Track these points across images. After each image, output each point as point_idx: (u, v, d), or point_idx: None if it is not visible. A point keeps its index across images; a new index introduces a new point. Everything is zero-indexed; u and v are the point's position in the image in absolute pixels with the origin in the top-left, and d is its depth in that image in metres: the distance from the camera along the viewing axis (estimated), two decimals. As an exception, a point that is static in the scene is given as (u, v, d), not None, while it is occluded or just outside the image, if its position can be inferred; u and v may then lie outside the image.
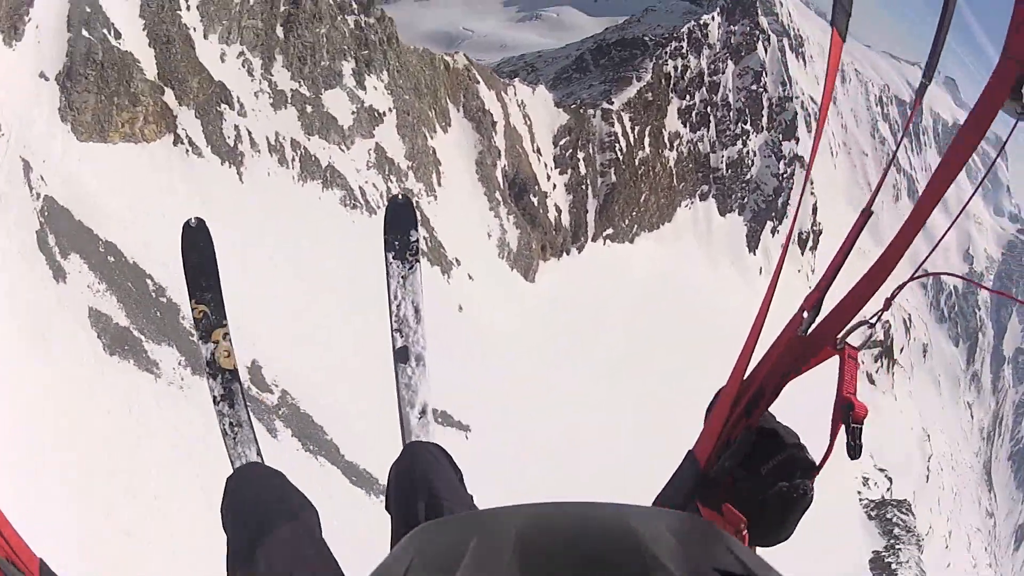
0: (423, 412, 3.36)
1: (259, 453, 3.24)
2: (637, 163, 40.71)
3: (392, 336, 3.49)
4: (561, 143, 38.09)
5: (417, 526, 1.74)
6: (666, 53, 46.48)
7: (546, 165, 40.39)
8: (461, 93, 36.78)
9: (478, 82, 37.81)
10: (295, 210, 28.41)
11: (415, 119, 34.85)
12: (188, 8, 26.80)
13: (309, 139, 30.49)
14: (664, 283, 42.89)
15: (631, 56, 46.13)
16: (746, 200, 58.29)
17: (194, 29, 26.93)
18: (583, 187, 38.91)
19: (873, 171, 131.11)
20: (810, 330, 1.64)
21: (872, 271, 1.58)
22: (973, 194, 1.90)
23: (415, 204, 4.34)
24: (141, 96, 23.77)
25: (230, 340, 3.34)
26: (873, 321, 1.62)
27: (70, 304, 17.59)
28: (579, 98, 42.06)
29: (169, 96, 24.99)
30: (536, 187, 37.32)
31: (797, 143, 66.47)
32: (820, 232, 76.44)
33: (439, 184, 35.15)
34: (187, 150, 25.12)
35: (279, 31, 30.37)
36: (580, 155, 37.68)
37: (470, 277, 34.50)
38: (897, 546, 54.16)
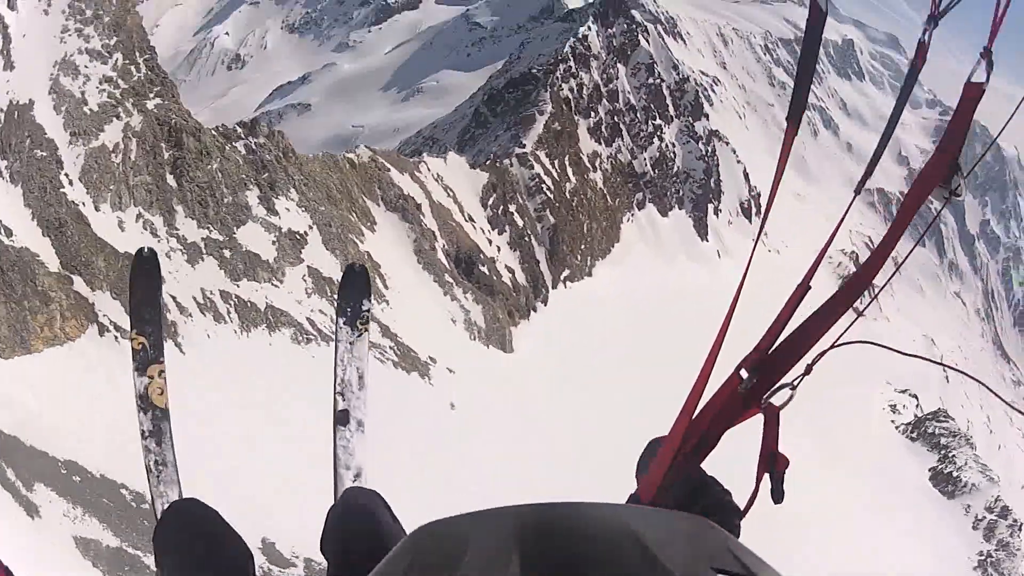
0: (358, 475, 3.41)
1: (180, 494, 3.25)
2: (569, 195, 39.77)
3: (334, 398, 3.56)
4: (490, 202, 36.88)
5: (354, 567, 2.09)
6: (558, 78, 45.74)
7: (483, 230, 38.98)
8: (376, 186, 35.18)
9: (388, 170, 36.08)
10: (250, 365, 26.89)
11: (339, 229, 33.19)
12: (71, 183, 24.91)
13: (238, 285, 28.64)
14: (633, 302, 42.08)
15: (525, 94, 45.31)
16: (681, 192, 57.67)
17: (83, 204, 24.98)
18: (526, 239, 37.52)
19: (781, 115, 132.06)
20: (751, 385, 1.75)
21: (807, 329, 1.69)
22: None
23: (370, 277, 3.97)
24: (51, 292, 21.77)
25: (165, 379, 3.34)
26: (796, 383, 1.71)
27: (53, 540, 16.23)
28: (490, 152, 40.86)
29: (79, 284, 22.96)
30: (482, 256, 35.74)
31: (708, 119, 66.52)
32: (759, 195, 76.42)
33: (385, 287, 33.61)
34: (115, 336, 23.37)
35: (170, 180, 28.22)
36: (512, 208, 36.53)
37: (450, 371, 33.10)
38: (950, 454, 54.38)
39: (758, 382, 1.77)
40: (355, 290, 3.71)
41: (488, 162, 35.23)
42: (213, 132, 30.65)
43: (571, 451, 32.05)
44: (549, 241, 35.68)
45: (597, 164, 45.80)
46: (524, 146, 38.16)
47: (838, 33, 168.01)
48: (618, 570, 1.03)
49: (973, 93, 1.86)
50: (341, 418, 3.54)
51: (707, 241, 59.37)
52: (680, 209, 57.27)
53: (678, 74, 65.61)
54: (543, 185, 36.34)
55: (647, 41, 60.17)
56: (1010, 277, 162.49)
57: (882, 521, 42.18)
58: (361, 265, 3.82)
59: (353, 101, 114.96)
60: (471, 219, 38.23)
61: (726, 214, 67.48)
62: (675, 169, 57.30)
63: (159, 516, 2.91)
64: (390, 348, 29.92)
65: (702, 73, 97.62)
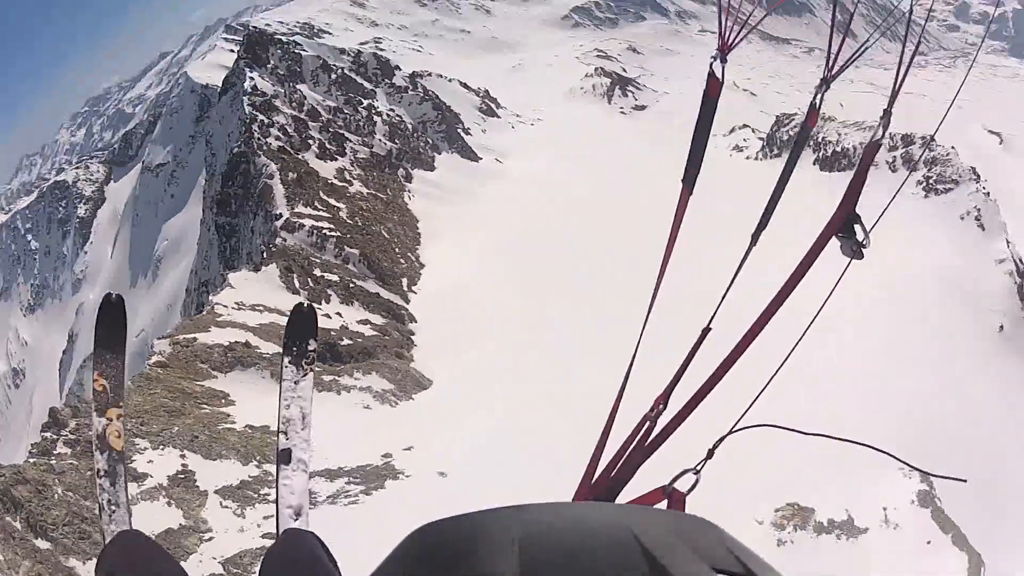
0: (298, 514, 3.46)
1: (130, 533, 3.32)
2: (349, 220, 39.26)
3: (278, 436, 3.63)
4: (297, 284, 35.57)
5: None
6: (260, 139, 44.95)
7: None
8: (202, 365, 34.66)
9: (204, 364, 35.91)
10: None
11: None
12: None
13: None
14: (479, 253, 42.89)
15: (245, 176, 43.84)
16: (431, 140, 58.11)
17: None
18: (351, 286, 35.79)
19: (448, 21, 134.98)
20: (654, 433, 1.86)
21: (713, 375, 1.82)
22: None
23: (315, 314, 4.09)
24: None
25: (124, 422, 3.42)
26: (699, 468, 1.71)
27: None
28: (259, 247, 39.41)
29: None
30: (336, 332, 34.78)
31: (400, 68, 67.47)
32: (486, 91, 78.27)
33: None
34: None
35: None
36: (318, 272, 35.49)
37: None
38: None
39: (668, 420, 1.91)
40: (302, 329, 3.75)
41: (265, 255, 34.57)
42: None
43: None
44: (369, 268, 35.62)
45: (348, 176, 45.55)
46: (280, 216, 37.66)
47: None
48: (617, 571, 1.01)
49: (874, 151, 2.13)
50: (284, 457, 3.60)
51: (481, 159, 60.39)
52: (440, 153, 57.83)
53: (349, 54, 66.41)
54: (323, 231, 36.05)
55: (304, 49, 60.53)
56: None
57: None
58: (309, 304, 3.90)
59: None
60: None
61: (475, 127, 68.84)
62: (409, 127, 57.67)
63: (103, 548, 2.93)
64: (333, 380, 30.79)
65: (361, 44, 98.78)
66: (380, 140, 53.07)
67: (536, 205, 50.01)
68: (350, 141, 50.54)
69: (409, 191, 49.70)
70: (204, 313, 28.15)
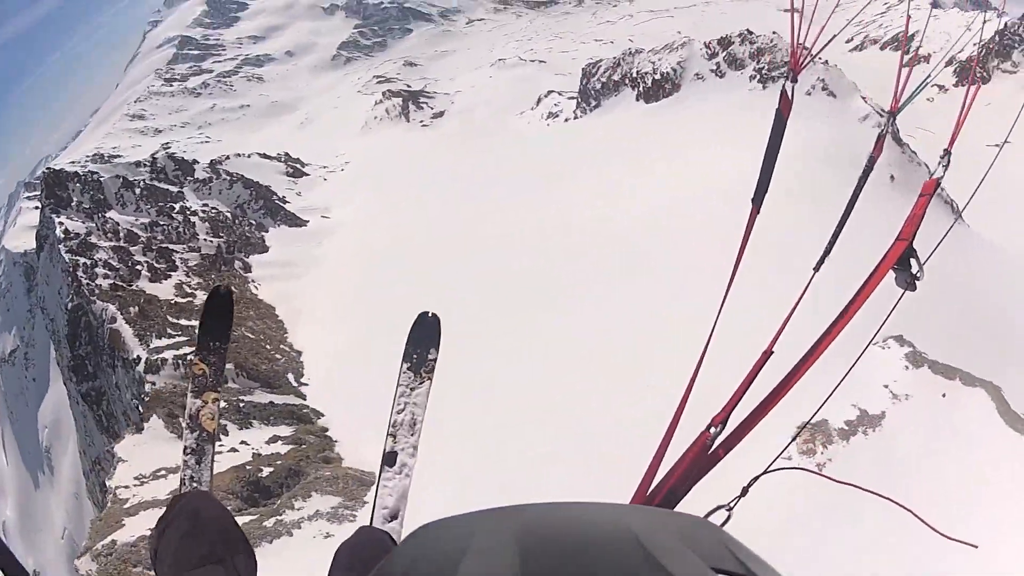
0: (394, 517, 3.51)
1: None
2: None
3: (385, 438, 3.67)
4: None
5: None
6: (89, 289, 43.40)
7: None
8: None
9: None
10: None
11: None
12: None
13: None
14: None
15: (95, 349, 42.89)
16: (253, 221, 57.37)
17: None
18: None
19: (228, 99, 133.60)
20: (715, 444, 1.83)
21: (772, 395, 1.80)
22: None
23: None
24: None
25: (219, 406, 3.54)
26: (732, 506, 1.75)
27: None
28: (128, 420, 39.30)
29: None
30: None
31: (198, 162, 66.09)
32: (289, 155, 77.66)
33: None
34: None
35: None
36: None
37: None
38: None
39: (731, 438, 1.91)
40: (425, 337, 3.83)
41: (142, 410, 33.09)
42: None
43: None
44: (250, 377, 34.13)
45: (187, 289, 44.07)
46: (138, 360, 36.06)
47: (199, 3, 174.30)
48: (617, 571, 1.04)
49: (931, 188, 2.12)
50: (388, 459, 3.66)
51: (308, 221, 59.80)
52: (268, 230, 56.63)
53: (145, 164, 64.74)
54: (188, 357, 34.95)
55: (100, 175, 58.43)
56: None
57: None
58: (433, 313, 3.93)
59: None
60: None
61: (290, 193, 67.80)
62: (229, 216, 56.39)
63: (170, 505, 2.91)
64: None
65: (153, 156, 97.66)
66: (205, 239, 51.91)
67: (382, 241, 49.72)
68: (176, 252, 49.29)
69: (253, 281, 48.77)
70: (109, 505, 26.59)
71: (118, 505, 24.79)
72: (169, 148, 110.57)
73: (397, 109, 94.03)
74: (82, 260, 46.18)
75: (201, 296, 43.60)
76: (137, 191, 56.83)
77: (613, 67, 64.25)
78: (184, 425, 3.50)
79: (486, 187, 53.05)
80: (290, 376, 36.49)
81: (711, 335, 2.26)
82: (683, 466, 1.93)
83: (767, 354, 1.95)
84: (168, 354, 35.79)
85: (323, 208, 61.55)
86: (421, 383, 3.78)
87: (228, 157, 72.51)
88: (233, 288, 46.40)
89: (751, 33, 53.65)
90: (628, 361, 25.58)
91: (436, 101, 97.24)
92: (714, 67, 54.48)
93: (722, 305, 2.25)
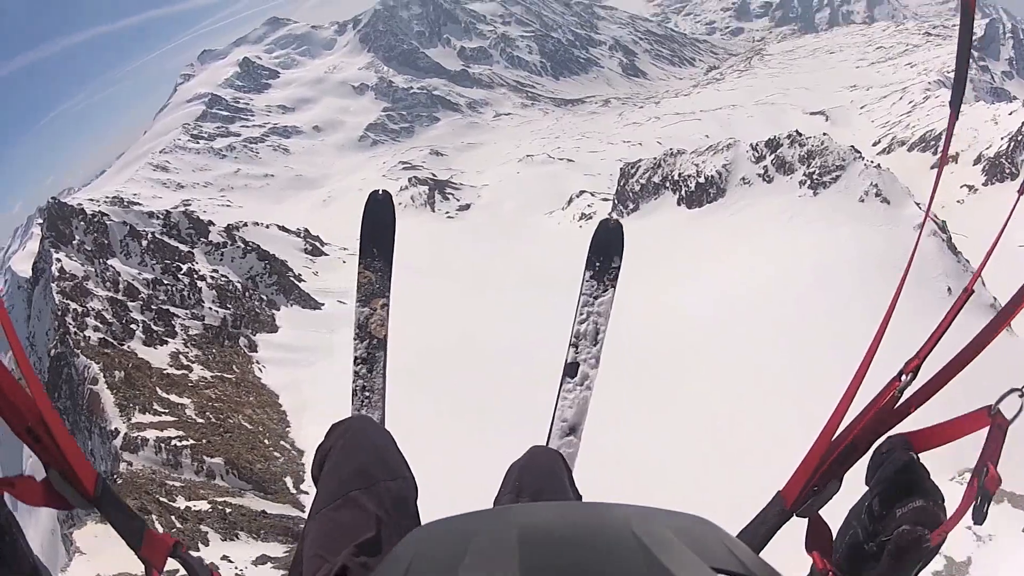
0: (572, 431, 3.45)
1: (382, 421, 3.46)
2: (205, 426, 33.89)
3: (568, 349, 3.61)
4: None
5: None
6: (74, 335, 38.99)
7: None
8: None
9: None
10: None
11: None
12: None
13: None
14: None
15: (72, 389, 38.19)
16: (265, 297, 53.33)
17: None
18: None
19: (253, 165, 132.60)
20: (905, 395, 1.70)
21: (971, 345, 1.64)
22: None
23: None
24: None
25: (387, 311, 3.58)
26: (1022, 390, 1.56)
27: None
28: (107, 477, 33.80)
29: None
30: None
31: (213, 224, 62.31)
32: (306, 230, 74.16)
33: None
34: None
35: None
36: (177, 522, 30.29)
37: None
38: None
39: (922, 390, 1.70)
40: (608, 245, 3.70)
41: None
42: None
43: None
44: (241, 477, 29.37)
45: (184, 360, 39.80)
46: (116, 432, 31.18)
47: (232, 65, 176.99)
48: (618, 570, 1.02)
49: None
50: (570, 370, 3.55)
51: (323, 304, 55.82)
52: (279, 308, 52.43)
53: (157, 218, 60.50)
54: (172, 442, 30.17)
55: (111, 218, 54.14)
56: (517, 59, 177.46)
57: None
58: (616, 221, 3.81)
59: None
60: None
61: (307, 271, 64.40)
62: (239, 286, 52.39)
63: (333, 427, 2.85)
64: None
65: (172, 208, 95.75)
66: (210, 308, 47.52)
67: (402, 338, 45.44)
68: (178, 316, 44.93)
69: (258, 363, 44.04)
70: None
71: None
72: (189, 205, 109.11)
73: (423, 197, 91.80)
74: (73, 306, 41.65)
75: (198, 371, 39.30)
76: (144, 243, 52.49)
77: (653, 168, 61.70)
78: (354, 335, 3.50)
79: (518, 288, 49.35)
80: (288, 481, 31.35)
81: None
82: (866, 418, 1.72)
83: (968, 292, 1.77)
84: (151, 434, 30.60)
85: (340, 292, 57.49)
86: (604, 291, 3.63)
87: (246, 224, 69.07)
88: (236, 368, 42.59)
89: (800, 135, 51.55)
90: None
91: (463, 193, 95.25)
92: (761, 171, 52.22)
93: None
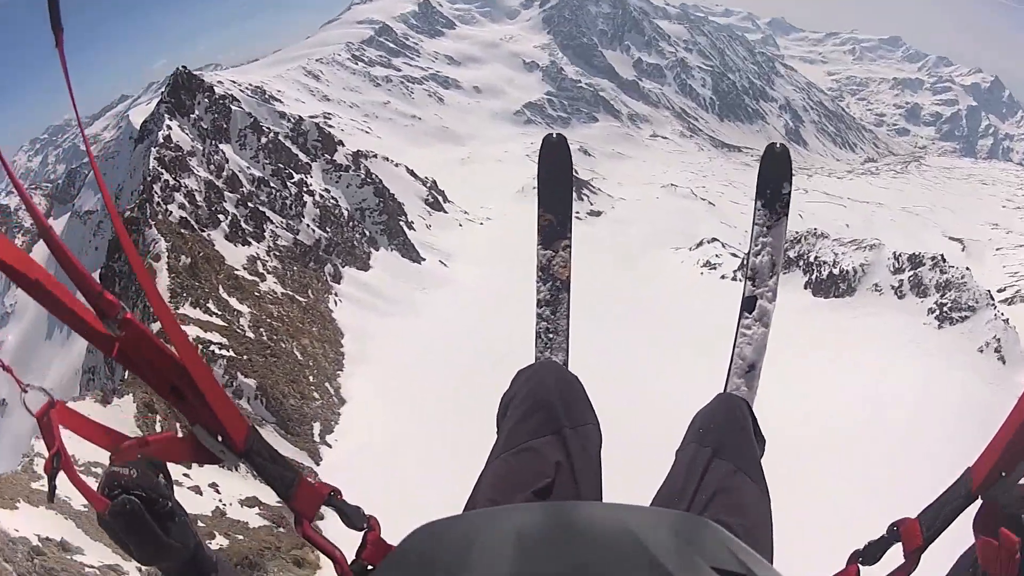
0: (751, 367, 3.32)
1: (566, 363, 3.35)
2: (253, 336, 29.11)
3: (744, 284, 3.52)
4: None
5: (695, 472, 2.46)
6: (160, 205, 35.41)
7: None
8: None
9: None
10: None
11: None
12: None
13: None
14: (410, 393, 33.69)
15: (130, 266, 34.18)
16: (368, 232, 49.09)
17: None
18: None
19: (401, 105, 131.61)
20: None
21: None
22: None
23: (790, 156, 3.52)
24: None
25: (569, 252, 3.49)
26: None
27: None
28: None
29: None
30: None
31: (344, 144, 58.64)
32: (434, 182, 70.74)
33: None
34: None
35: None
36: None
37: None
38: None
39: None
40: (777, 171, 3.53)
41: (122, 379, 24.22)
42: None
43: None
44: (269, 408, 25.48)
45: (261, 268, 35.99)
46: (154, 319, 26.93)
47: (412, 2, 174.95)
48: (618, 570, 1.03)
49: None
50: (747, 304, 3.45)
51: (424, 260, 51.65)
52: (378, 250, 48.71)
53: (288, 120, 56.89)
54: (212, 348, 25.90)
55: (239, 106, 50.77)
56: (689, 87, 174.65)
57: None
58: (783, 146, 3.62)
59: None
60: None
61: (420, 222, 60.55)
62: (345, 213, 48.49)
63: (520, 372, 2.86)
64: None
65: (310, 118, 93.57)
66: (308, 226, 43.57)
67: (488, 324, 40.82)
68: (271, 222, 41.11)
69: (336, 295, 40.01)
70: (19, 469, 17.35)
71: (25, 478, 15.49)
72: (329, 119, 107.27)
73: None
74: (166, 176, 38.06)
75: (271, 283, 35.54)
76: (264, 139, 48.90)
77: (791, 243, 57.80)
78: (536, 278, 3.46)
79: (620, 318, 44.50)
80: (315, 427, 27.36)
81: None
82: None
83: None
84: (192, 330, 26.54)
85: (446, 254, 53.67)
86: (778, 219, 3.49)
87: (376, 155, 65.54)
88: (311, 293, 38.70)
89: (944, 261, 49.43)
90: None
91: (598, 199, 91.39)
92: (896, 283, 49.70)
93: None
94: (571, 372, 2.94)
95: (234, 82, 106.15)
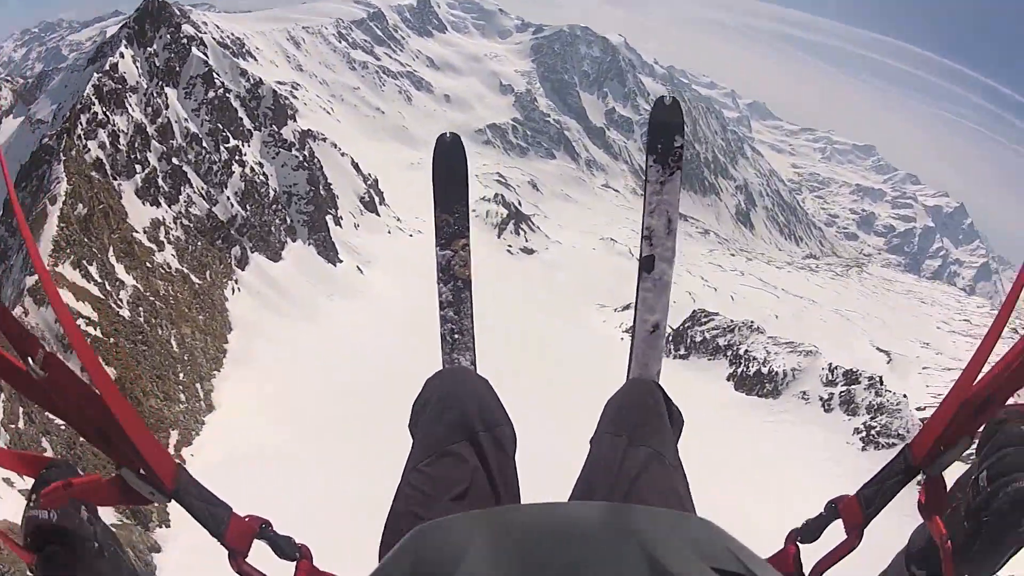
0: (656, 327, 3.35)
1: (473, 364, 3.38)
2: (130, 313, 26.79)
3: (640, 244, 3.48)
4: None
5: (612, 462, 2.36)
6: (79, 138, 33.20)
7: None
8: None
9: None
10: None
11: None
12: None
13: None
14: (291, 410, 31.57)
15: (41, 180, 31.81)
16: (289, 220, 46.92)
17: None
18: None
19: (369, 95, 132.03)
20: None
21: None
22: None
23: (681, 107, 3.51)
24: None
25: (469, 251, 3.50)
26: None
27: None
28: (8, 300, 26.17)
29: None
30: None
31: (295, 120, 56.45)
32: (376, 181, 69.12)
33: None
34: None
35: None
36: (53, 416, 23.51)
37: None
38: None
39: None
40: (666, 124, 3.48)
41: None
42: None
43: None
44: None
45: (163, 236, 33.72)
46: (30, 273, 24.68)
47: None
48: (617, 570, 1.03)
49: None
50: (646, 264, 3.46)
51: (341, 262, 49.77)
52: (295, 241, 46.56)
53: (248, 80, 54.13)
54: (80, 325, 23.71)
55: (203, 51, 48.30)
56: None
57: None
58: (673, 98, 3.55)
59: None
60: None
61: (348, 219, 58.71)
62: (271, 194, 46.21)
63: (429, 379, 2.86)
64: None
65: (278, 83, 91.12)
66: (228, 199, 41.31)
67: (392, 340, 39.12)
68: (191, 186, 38.89)
69: (236, 282, 37.81)
70: None
71: None
72: (296, 90, 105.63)
73: (497, 219, 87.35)
74: (97, 108, 35.96)
75: (168, 255, 33.15)
76: (211, 93, 46.76)
77: (724, 331, 57.48)
78: (438, 279, 3.45)
79: (524, 372, 43.39)
80: (172, 436, 24.85)
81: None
82: (1006, 359, 1.53)
83: None
84: (65, 294, 24.35)
85: (366, 259, 51.85)
86: (671, 175, 3.47)
87: (326, 139, 63.73)
88: (209, 276, 36.51)
89: (881, 384, 47.73)
90: None
91: (535, 237, 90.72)
92: (826, 395, 48.02)
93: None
94: (481, 375, 2.93)
95: (217, 26, 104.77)
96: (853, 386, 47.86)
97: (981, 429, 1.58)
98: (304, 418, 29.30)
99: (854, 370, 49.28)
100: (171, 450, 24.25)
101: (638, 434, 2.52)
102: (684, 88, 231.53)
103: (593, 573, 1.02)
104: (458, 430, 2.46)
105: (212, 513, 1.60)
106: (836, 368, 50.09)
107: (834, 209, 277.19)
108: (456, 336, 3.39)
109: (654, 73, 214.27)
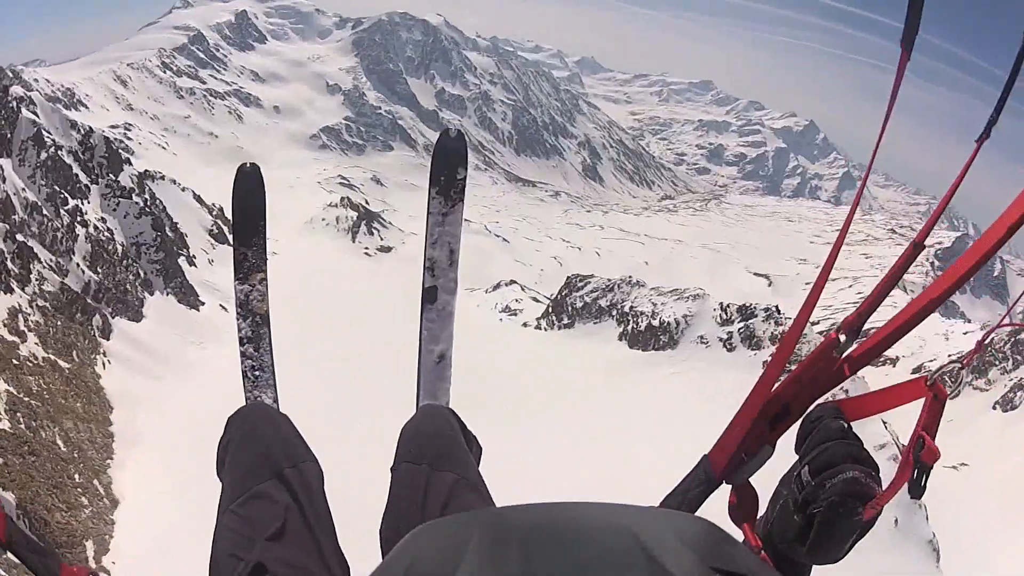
0: (441, 357, 3.45)
1: (276, 400, 3.38)
2: None
3: (423, 275, 3.55)
4: None
5: (417, 491, 2.48)
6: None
7: None
8: None
9: None
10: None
11: None
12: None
13: None
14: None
15: None
16: (143, 273, 46.29)
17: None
18: None
19: (201, 122, 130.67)
20: (844, 354, 1.62)
21: (915, 304, 1.52)
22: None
23: (466, 141, 3.63)
24: None
25: (266, 286, 3.54)
26: (965, 362, 1.53)
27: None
28: None
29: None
30: None
31: (131, 164, 55.31)
32: (221, 209, 68.54)
33: None
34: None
35: None
36: None
37: None
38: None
39: (862, 350, 1.63)
40: (450, 156, 3.53)
41: None
42: None
43: None
44: (33, 528, 20.97)
45: (23, 325, 32.44)
46: None
47: (230, 12, 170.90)
48: (617, 571, 1.04)
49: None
50: (429, 295, 3.51)
51: (203, 305, 49.45)
52: (152, 294, 45.86)
53: (78, 131, 52.38)
54: None
55: (32, 110, 46.35)
56: (489, 120, 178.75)
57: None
58: (458, 131, 3.64)
59: None
60: None
61: (202, 256, 58.12)
62: (120, 250, 45.21)
63: (230, 418, 2.87)
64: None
65: (111, 127, 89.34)
66: (78, 265, 40.37)
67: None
68: (40, 261, 37.71)
69: (105, 354, 36.71)
70: None
71: None
72: (130, 131, 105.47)
73: (348, 223, 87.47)
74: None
75: (32, 345, 31.65)
76: (44, 155, 45.18)
77: (604, 291, 56.72)
78: (236, 315, 3.44)
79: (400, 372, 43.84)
80: (89, 547, 23.14)
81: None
82: (800, 369, 1.65)
83: (916, 245, 1.61)
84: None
85: (226, 295, 51.15)
86: (453, 207, 3.54)
87: (163, 177, 62.41)
88: (76, 355, 35.08)
89: (779, 312, 47.70)
90: None
91: (388, 233, 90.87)
92: (725, 335, 47.78)
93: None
94: (281, 412, 3.01)
95: (48, 80, 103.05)
96: (750, 320, 47.76)
97: (780, 438, 1.69)
98: (200, 490, 27.53)
99: (747, 304, 49.17)
100: (92, 564, 22.80)
101: (439, 463, 2.63)
102: (510, 56, 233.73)
103: (593, 573, 1.04)
104: (265, 468, 2.51)
105: (44, 565, 1.70)
106: (729, 306, 49.81)
107: (680, 148, 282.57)
108: (257, 373, 3.38)
109: (478, 47, 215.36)
